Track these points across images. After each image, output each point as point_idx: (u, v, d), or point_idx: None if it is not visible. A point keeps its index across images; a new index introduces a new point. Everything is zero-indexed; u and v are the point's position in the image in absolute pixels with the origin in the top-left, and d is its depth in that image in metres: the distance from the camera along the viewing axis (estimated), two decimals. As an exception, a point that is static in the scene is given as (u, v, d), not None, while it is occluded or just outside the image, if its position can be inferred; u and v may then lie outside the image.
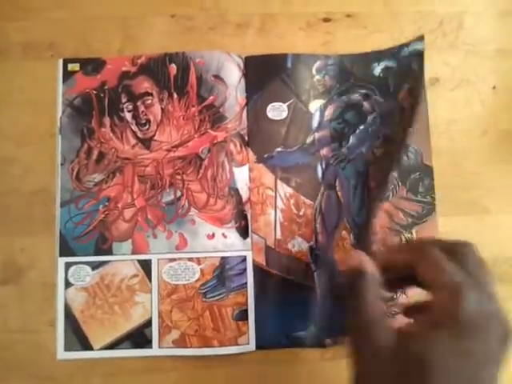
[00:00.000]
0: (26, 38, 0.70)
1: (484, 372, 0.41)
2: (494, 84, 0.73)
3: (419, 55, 0.71)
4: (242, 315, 0.65)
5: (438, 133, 0.71)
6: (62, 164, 0.67)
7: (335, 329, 0.64)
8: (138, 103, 0.69)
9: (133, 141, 0.69)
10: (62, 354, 0.64)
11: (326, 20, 0.72)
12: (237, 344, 0.64)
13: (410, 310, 0.54)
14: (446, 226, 0.68)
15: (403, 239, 0.68)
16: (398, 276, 0.49)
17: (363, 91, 0.70)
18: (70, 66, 0.69)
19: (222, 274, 0.66)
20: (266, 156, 0.68)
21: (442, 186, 0.70)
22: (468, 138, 0.72)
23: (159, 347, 0.64)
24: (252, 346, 0.65)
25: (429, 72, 0.72)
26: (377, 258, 0.50)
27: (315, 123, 0.70)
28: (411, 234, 0.68)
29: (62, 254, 0.66)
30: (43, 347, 0.64)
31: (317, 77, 0.70)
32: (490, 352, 0.41)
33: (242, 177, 0.68)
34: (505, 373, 0.41)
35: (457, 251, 0.46)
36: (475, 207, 0.70)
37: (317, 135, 0.69)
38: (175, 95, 0.69)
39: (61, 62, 0.69)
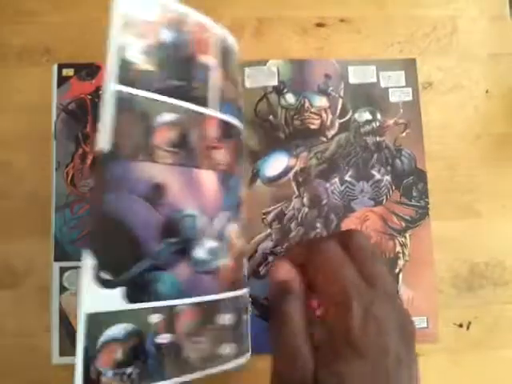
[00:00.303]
0: (21, 42, 0.69)
1: (397, 373, 0.41)
2: (486, 88, 0.73)
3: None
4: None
5: (431, 137, 0.71)
6: (56, 169, 0.67)
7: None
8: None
9: (127, 146, 0.68)
10: (57, 358, 0.64)
11: (320, 25, 0.72)
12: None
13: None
14: (439, 230, 0.68)
15: (397, 243, 0.68)
16: None
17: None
18: (65, 71, 0.69)
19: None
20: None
21: (436, 190, 0.70)
22: (461, 142, 0.72)
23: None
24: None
25: (422, 76, 0.72)
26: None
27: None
28: (405, 237, 0.68)
29: (56, 259, 0.65)
30: (39, 352, 0.64)
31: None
32: (398, 357, 0.41)
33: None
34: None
35: (347, 241, 0.47)
36: (468, 211, 0.70)
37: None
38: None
39: (55, 67, 0.69)
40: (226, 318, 0.56)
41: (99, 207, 0.48)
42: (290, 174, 0.69)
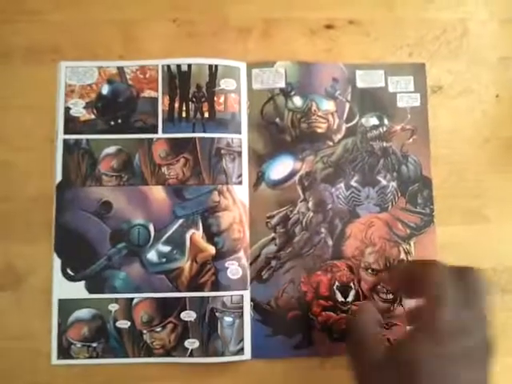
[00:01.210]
0: (27, 42, 0.69)
1: (467, 374, 0.46)
2: (496, 93, 0.71)
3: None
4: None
5: (440, 141, 0.70)
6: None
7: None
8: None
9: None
10: (55, 360, 0.64)
11: (329, 27, 0.71)
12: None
13: (408, 319, 0.61)
14: (446, 235, 0.67)
15: (401, 250, 0.67)
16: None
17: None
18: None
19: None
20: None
21: (443, 195, 0.69)
22: (470, 146, 0.70)
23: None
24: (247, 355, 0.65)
25: (431, 80, 0.71)
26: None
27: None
28: (409, 245, 0.67)
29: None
30: (41, 354, 0.63)
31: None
32: (471, 357, 0.46)
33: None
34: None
35: (462, 273, 0.51)
36: (476, 216, 0.69)
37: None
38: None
39: (62, 66, 0.68)
40: (187, 315, 0.65)
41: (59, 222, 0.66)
42: (296, 178, 0.68)
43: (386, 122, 0.69)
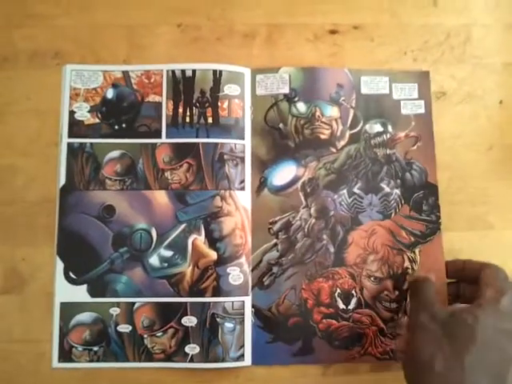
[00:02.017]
0: (32, 45, 0.68)
1: None
2: (500, 98, 0.71)
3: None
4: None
5: (444, 147, 0.69)
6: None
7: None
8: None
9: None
10: (56, 363, 0.63)
11: (333, 32, 0.71)
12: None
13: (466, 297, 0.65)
14: (450, 241, 0.66)
15: (406, 258, 0.66)
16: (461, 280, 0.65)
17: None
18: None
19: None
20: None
21: (447, 201, 0.68)
22: (474, 152, 0.70)
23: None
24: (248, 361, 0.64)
25: (435, 86, 0.70)
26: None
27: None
28: (414, 253, 0.66)
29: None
30: (43, 357, 0.63)
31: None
32: None
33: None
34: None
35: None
36: (480, 222, 0.69)
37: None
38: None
39: (67, 69, 0.68)
40: (188, 320, 0.65)
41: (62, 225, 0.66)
42: (298, 184, 0.67)
43: (389, 129, 0.68)
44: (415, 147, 0.68)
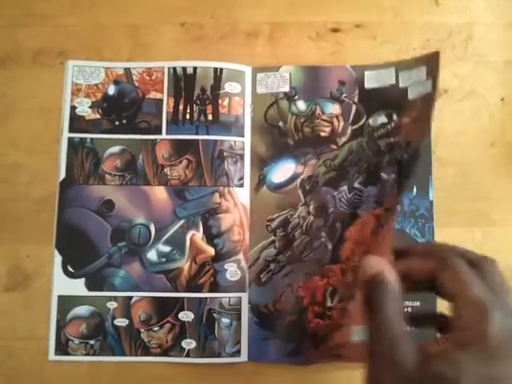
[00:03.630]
0: (36, 44, 0.68)
1: None
2: (502, 96, 0.69)
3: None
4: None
5: (445, 144, 0.67)
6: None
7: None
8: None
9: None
10: (53, 356, 0.63)
11: (335, 30, 0.69)
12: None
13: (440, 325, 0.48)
14: (451, 238, 0.64)
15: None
16: (415, 283, 0.45)
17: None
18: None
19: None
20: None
21: (449, 198, 0.67)
22: (475, 149, 0.68)
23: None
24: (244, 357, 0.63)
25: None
26: (396, 264, 0.45)
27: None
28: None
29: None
30: (40, 350, 0.63)
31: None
32: None
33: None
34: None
35: (481, 266, 0.43)
36: (482, 219, 0.67)
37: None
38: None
39: (69, 65, 0.68)
40: (185, 315, 0.64)
41: (61, 219, 0.66)
42: (297, 182, 0.66)
43: (394, 117, 0.66)
44: (415, 125, 0.65)
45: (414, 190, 0.66)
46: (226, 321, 0.63)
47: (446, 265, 0.43)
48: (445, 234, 0.66)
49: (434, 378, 0.36)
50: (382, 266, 0.44)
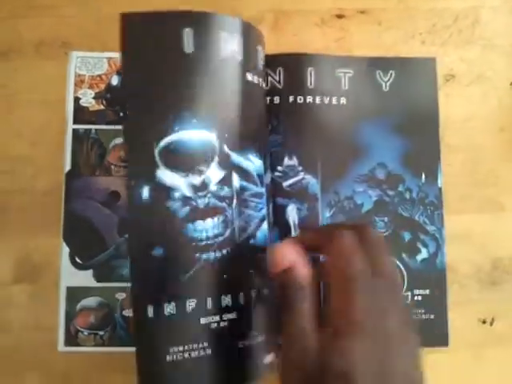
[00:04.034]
0: (38, 36, 0.67)
1: (399, 359, 0.39)
2: (510, 80, 0.69)
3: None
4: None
5: (454, 130, 0.67)
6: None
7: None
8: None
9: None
10: (62, 347, 0.63)
11: (340, 16, 0.69)
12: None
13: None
14: (460, 224, 0.64)
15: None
16: None
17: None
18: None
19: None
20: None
21: (458, 183, 0.66)
22: (484, 134, 0.68)
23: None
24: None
25: (444, 68, 0.68)
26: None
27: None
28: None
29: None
30: (50, 341, 0.62)
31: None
32: (399, 338, 0.40)
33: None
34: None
35: (361, 233, 0.44)
36: (491, 204, 0.67)
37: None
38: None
39: (73, 56, 0.66)
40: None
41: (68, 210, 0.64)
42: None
43: None
44: None
45: (423, 177, 0.65)
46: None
47: (330, 238, 0.44)
48: (454, 220, 0.65)
49: (329, 369, 0.37)
50: (293, 256, 0.45)
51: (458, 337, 0.63)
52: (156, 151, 0.50)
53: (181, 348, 0.48)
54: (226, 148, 0.52)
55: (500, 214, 0.67)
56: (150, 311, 0.48)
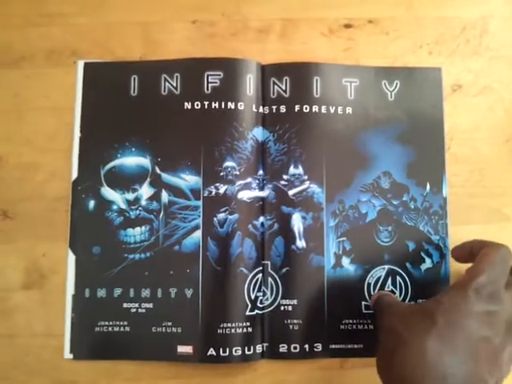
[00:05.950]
0: (49, 44, 0.67)
1: (483, 332, 0.48)
2: (517, 91, 0.68)
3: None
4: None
5: (460, 140, 0.67)
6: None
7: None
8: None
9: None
10: (68, 354, 0.63)
11: (348, 26, 0.68)
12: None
13: None
14: (466, 235, 0.63)
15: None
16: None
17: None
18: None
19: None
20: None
21: (463, 194, 0.66)
22: (490, 145, 0.67)
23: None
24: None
25: (451, 79, 0.67)
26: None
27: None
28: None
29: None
30: (57, 349, 0.63)
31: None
32: (492, 322, 0.49)
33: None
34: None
35: None
36: (497, 215, 0.66)
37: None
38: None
39: (80, 65, 0.67)
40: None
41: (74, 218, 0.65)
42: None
43: None
44: None
45: (428, 186, 0.65)
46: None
47: (489, 247, 0.55)
48: (460, 231, 0.64)
49: (419, 310, 0.51)
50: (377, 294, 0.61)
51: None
52: (102, 173, 0.65)
53: (106, 323, 0.62)
54: (157, 170, 0.65)
55: (506, 225, 0.66)
56: (87, 292, 0.63)
